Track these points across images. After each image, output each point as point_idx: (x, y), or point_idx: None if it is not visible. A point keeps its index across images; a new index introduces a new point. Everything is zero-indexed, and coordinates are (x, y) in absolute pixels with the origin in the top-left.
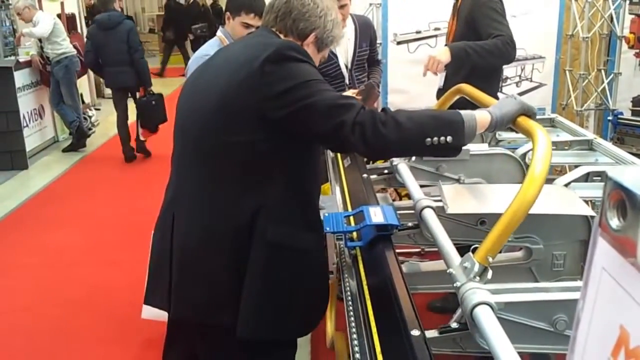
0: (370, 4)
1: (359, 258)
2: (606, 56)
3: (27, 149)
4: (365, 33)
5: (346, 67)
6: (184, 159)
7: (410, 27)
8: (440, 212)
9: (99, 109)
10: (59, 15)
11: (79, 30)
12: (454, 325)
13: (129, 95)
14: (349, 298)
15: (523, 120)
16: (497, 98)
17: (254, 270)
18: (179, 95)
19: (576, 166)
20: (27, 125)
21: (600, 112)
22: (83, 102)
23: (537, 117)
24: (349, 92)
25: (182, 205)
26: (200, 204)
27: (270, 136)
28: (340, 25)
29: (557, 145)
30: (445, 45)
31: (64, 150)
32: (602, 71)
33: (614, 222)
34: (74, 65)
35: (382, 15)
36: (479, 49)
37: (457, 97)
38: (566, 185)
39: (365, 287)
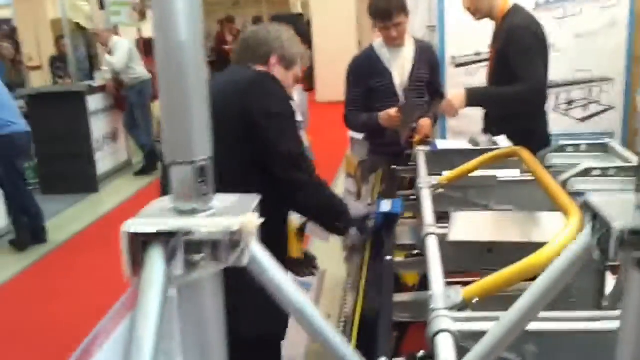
0: (428, 26)
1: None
2: None
3: (99, 173)
4: (425, 57)
5: (401, 86)
6: None
7: (469, 50)
8: (443, 239)
9: None
10: (138, 40)
11: None
12: (421, 354)
13: None
14: None
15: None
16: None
17: None
18: None
19: None
20: (100, 149)
21: None
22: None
23: (589, 143)
24: (391, 110)
25: None
26: None
27: None
28: (299, 43)
29: (603, 172)
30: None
31: (136, 174)
32: None
33: None
34: (148, 89)
35: (438, 38)
36: (498, 98)
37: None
38: (565, 181)
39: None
